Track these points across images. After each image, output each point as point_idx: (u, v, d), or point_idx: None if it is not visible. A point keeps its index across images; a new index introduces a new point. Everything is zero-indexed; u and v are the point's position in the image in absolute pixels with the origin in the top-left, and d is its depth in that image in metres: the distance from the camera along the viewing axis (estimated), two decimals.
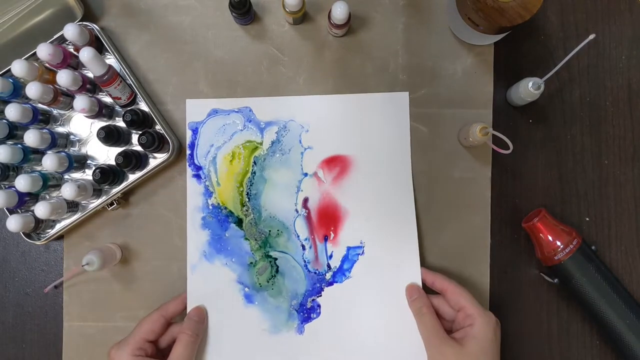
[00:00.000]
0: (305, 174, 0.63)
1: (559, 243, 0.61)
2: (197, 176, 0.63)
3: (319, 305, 0.62)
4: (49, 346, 0.65)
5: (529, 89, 0.60)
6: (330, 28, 0.63)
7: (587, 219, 0.66)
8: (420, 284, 0.61)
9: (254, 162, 0.63)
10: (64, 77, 0.57)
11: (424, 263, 0.63)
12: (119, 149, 0.62)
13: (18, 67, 0.56)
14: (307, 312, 0.61)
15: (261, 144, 0.63)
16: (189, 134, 0.63)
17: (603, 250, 0.66)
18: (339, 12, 0.58)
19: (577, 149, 0.66)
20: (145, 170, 0.62)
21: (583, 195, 0.66)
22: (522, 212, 0.65)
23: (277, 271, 0.62)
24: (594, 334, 0.65)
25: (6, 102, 0.59)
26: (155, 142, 0.60)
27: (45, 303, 0.65)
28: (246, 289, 0.62)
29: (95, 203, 0.62)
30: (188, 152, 0.63)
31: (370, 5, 0.65)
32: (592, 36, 0.56)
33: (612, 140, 0.67)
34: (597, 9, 0.67)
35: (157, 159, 0.63)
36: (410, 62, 0.65)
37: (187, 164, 0.63)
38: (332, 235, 0.62)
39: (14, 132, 0.60)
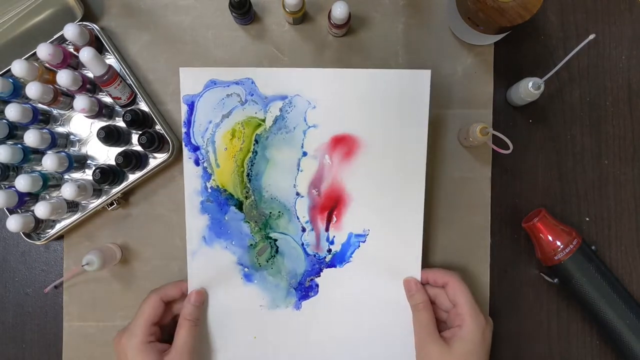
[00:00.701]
0: (305, 153, 0.60)
1: (559, 243, 0.61)
2: (195, 157, 0.60)
3: (317, 285, 0.62)
4: (49, 346, 0.65)
5: (529, 89, 0.60)
6: (330, 28, 0.63)
7: (587, 219, 0.66)
8: (419, 276, 0.61)
9: (256, 141, 0.60)
10: (64, 77, 0.57)
11: (424, 263, 0.63)
12: (119, 149, 0.62)
13: (18, 67, 0.56)
14: (305, 290, 0.62)
15: (264, 120, 0.60)
16: (184, 109, 0.59)
17: (603, 250, 0.66)
18: (339, 12, 0.58)
19: (577, 149, 0.66)
20: (145, 171, 0.62)
21: (583, 195, 0.66)
22: (522, 212, 0.65)
23: (276, 252, 0.62)
24: (594, 334, 0.65)
25: (6, 102, 0.59)
26: (155, 142, 0.60)
27: (45, 303, 0.65)
28: (246, 269, 0.61)
29: (95, 203, 0.62)
30: (184, 130, 0.59)
31: (370, 5, 0.65)
32: (592, 36, 0.56)
33: (612, 140, 0.67)
34: (597, 9, 0.67)
35: (157, 159, 0.63)
36: (410, 62, 0.65)
37: (184, 143, 0.60)
38: (335, 219, 0.62)
39: (14, 132, 0.60)
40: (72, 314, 0.64)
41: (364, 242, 0.61)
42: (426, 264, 0.64)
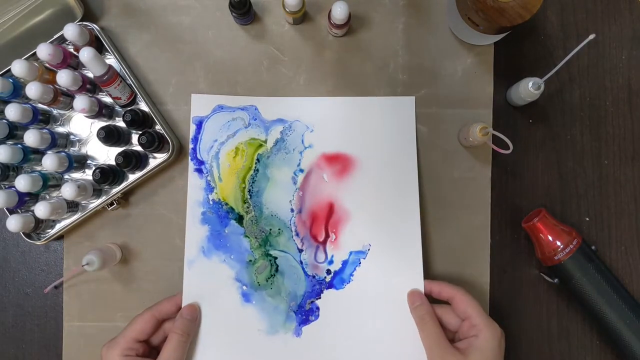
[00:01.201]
0: (302, 171, 0.63)
1: (559, 243, 0.61)
2: (199, 170, 0.63)
3: (317, 308, 0.61)
4: (49, 346, 0.65)
5: (529, 89, 0.60)
6: (330, 28, 0.63)
7: (587, 219, 0.66)
8: (422, 289, 0.60)
9: (257, 160, 0.63)
10: (64, 77, 0.57)
11: (424, 264, 0.63)
12: (119, 149, 0.62)
13: (18, 67, 0.56)
14: (305, 314, 0.61)
15: (265, 142, 0.63)
16: (192, 128, 0.63)
17: (603, 250, 0.66)
18: (339, 12, 0.58)
19: (577, 149, 0.66)
20: (145, 171, 0.62)
21: (583, 195, 0.66)
22: (522, 212, 0.65)
23: (276, 270, 0.61)
24: (594, 334, 0.65)
25: (6, 102, 0.59)
26: (155, 142, 0.60)
27: (45, 303, 0.65)
28: (244, 287, 0.61)
29: (95, 203, 0.62)
30: (191, 145, 0.63)
31: (370, 5, 0.65)
32: (592, 36, 0.56)
33: (612, 140, 0.67)
34: (597, 8, 0.67)
35: (157, 159, 0.63)
36: (411, 62, 0.65)
37: (189, 157, 0.63)
38: (334, 237, 0.62)
39: (14, 132, 0.60)
40: (72, 314, 0.64)
41: (364, 259, 0.61)
42: (426, 264, 0.63)
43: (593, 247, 0.63)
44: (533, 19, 0.56)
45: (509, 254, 0.65)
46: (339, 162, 0.63)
